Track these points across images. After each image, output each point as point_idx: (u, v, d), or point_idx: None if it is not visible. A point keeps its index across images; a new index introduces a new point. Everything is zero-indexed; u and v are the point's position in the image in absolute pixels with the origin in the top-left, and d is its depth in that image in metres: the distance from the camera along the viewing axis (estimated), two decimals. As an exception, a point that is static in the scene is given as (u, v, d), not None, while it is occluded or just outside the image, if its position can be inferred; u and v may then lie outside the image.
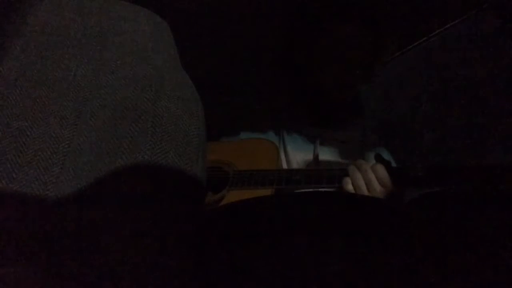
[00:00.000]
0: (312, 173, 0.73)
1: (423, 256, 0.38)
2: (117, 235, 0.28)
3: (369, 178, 0.67)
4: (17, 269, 0.27)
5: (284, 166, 0.86)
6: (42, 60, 0.34)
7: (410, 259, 0.38)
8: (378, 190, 0.67)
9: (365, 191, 0.68)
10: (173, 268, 0.30)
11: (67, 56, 0.35)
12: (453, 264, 0.37)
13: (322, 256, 0.38)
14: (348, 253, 0.39)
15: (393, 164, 0.86)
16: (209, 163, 0.82)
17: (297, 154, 0.87)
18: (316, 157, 0.82)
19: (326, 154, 0.85)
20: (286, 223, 0.43)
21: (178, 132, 0.32)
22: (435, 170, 0.66)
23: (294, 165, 0.85)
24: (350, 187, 0.69)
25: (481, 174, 0.62)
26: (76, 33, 0.37)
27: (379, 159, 0.72)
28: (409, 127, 1.04)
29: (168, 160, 0.31)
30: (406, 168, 0.70)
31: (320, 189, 0.72)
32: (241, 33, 0.92)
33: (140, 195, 0.29)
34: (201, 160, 0.33)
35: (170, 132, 0.32)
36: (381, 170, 0.68)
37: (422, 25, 0.94)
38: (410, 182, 0.68)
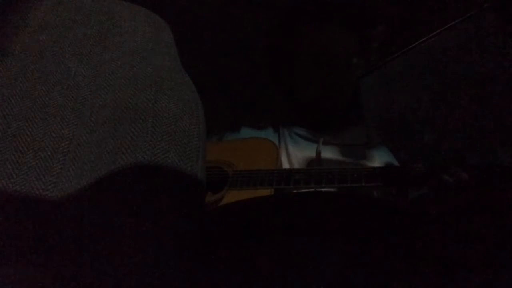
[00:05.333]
0: (312, 173, 0.73)
1: (423, 256, 0.38)
2: (117, 235, 0.28)
3: None
4: (17, 269, 0.27)
5: (285, 163, 0.86)
6: (42, 60, 0.34)
7: (410, 259, 0.38)
8: None
9: None
10: (173, 268, 0.30)
11: (67, 56, 0.35)
12: (453, 264, 0.37)
13: (322, 256, 0.38)
14: (348, 253, 0.39)
15: (395, 164, 0.86)
16: (209, 163, 0.81)
17: (298, 152, 0.86)
18: (318, 155, 0.81)
19: (329, 153, 0.85)
20: (286, 223, 0.43)
21: (178, 132, 0.32)
22: (436, 169, 0.66)
23: (295, 163, 0.85)
24: None
25: (481, 174, 0.62)
26: (76, 33, 0.37)
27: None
28: (409, 127, 1.04)
29: (168, 160, 0.31)
30: (407, 167, 0.70)
31: (319, 189, 0.72)
32: (240, 33, 0.92)
33: (140, 195, 0.29)
34: (201, 160, 0.33)
35: (170, 132, 0.32)
36: None
37: (422, 25, 0.94)
38: (411, 182, 0.68)
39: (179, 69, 0.39)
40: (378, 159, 0.86)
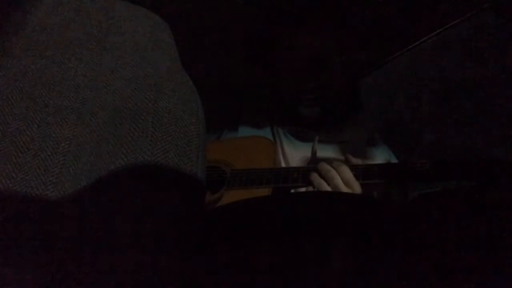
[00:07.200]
0: (310, 171, 0.73)
1: (423, 256, 0.38)
2: (117, 235, 0.28)
3: (335, 184, 0.68)
4: (17, 269, 0.27)
5: (282, 163, 0.86)
6: (42, 60, 0.34)
7: (410, 259, 0.38)
8: (344, 191, 0.67)
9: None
10: (173, 268, 0.30)
11: (67, 56, 0.35)
12: (453, 264, 0.37)
13: (322, 256, 0.38)
14: (348, 253, 0.39)
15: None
16: (207, 163, 0.81)
17: (294, 151, 0.86)
18: (314, 153, 0.81)
19: (325, 151, 0.84)
20: (286, 223, 0.43)
21: (178, 132, 0.32)
22: (437, 167, 0.66)
23: (291, 162, 0.85)
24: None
25: (482, 171, 0.62)
26: (76, 33, 0.37)
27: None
28: (409, 127, 1.04)
29: (168, 160, 0.31)
30: (407, 164, 0.70)
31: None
32: (240, 34, 0.92)
33: (140, 195, 0.29)
34: (201, 160, 0.33)
35: (170, 132, 0.32)
36: (346, 171, 0.68)
37: (422, 25, 0.94)
38: (411, 179, 0.68)
39: (179, 69, 0.39)
40: (379, 157, 0.86)
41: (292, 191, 0.75)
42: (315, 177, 0.70)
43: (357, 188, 0.67)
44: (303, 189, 0.73)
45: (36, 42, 0.35)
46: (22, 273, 0.27)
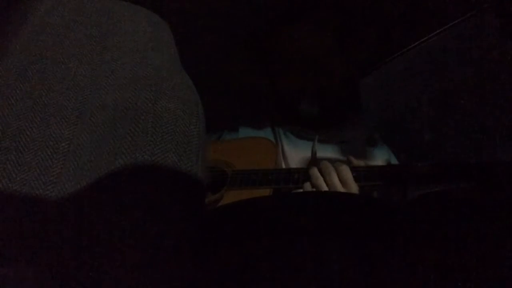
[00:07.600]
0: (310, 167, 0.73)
1: (423, 256, 0.38)
2: (117, 235, 0.28)
3: (332, 182, 0.68)
4: (17, 269, 0.27)
5: (282, 164, 0.86)
6: (42, 60, 0.34)
7: (410, 259, 0.38)
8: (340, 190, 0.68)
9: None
10: (173, 268, 0.30)
11: (67, 56, 0.35)
12: (453, 264, 0.37)
13: (322, 256, 0.38)
14: (348, 253, 0.39)
15: (395, 163, 0.86)
16: (208, 163, 0.81)
17: (293, 152, 0.86)
18: (314, 154, 0.81)
19: (325, 151, 0.85)
20: (286, 223, 0.43)
21: (178, 132, 0.32)
22: (437, 168, 0.66)
23: (291, 163, 0.85)
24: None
25: (483, 172, 0.62)
26: (76, 33, 0.37)
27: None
28: (409, 127, 1.04)
29: (168, 160, 0.31)
30: (407, 166, 0.70)
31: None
32: (240, 34, 0.92)
33: (140, 195, 0.29)
34: (201, 160, 0.33)
35: (170, 132, 0.32)
36: (345, 171, 0.68)
37: (422, 25, 0.94)
38: (412, 180, 0.68)
39: (179, 69, 0.39)
40: (379, 158, 0.86)
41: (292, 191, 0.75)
42: (313, 171, 0.70)
43: (354, 189, 0.67)
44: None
45: (36, 42, 0.35)
46: (22, 273, 0.27)
